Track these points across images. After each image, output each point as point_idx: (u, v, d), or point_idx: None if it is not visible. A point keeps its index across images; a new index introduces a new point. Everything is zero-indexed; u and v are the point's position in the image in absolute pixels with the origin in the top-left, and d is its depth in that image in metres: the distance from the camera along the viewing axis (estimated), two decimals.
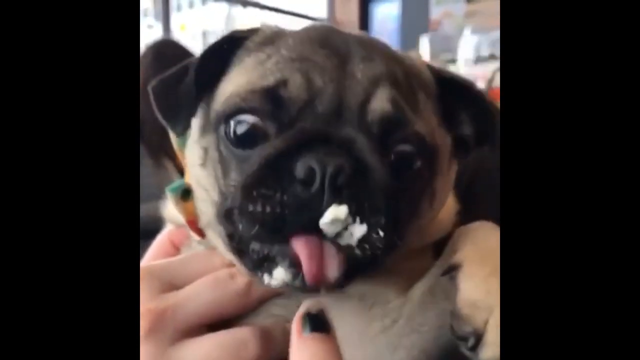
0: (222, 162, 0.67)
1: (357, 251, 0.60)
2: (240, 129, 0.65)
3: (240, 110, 0.65)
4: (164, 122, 0.71)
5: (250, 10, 6.61)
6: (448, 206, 0.81)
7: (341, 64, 0.66)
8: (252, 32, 0.74)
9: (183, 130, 0.72)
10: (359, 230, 0.59)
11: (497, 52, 4.88)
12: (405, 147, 0.65)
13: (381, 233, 0.60)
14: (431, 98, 0.72)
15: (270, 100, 0.64)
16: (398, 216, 0.63)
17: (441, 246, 0.75)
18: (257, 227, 0.60)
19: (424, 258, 0.77)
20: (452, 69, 5.16)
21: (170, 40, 3.32)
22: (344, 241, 0.60)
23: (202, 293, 0.68)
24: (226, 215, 0.64)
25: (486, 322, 0.59)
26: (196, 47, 3.26)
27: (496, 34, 4.88)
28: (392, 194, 0.62)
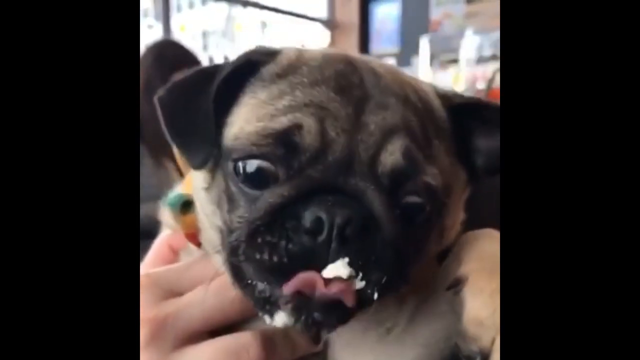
0: (229, 195, 0.67)
1: (349, 303, 0.60)
2: (250, 169, 0.64)
3: (251, 156, 0.64)
4: (179, 150, 0.69)
5: (250, 10, 6.61)
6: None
7: (355, 112, 0.65)
8: (271, 56, 0.72)
9: (201, 164, 0.68)
10: (357, 285, 0.60)
11: (499, 53, 4.90)
12: (415, 199, 0.65)
13: (375, 294, 0.60)
14: (445, 139, 0.71)
15: (282, 145, 0.63)
16: (405, 262, 0.63)
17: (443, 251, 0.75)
18: (261, 272, 0.61)
19: (426, 265, 0.76)
20: (454, 69, 5.16)
21: (171, 41, 3.32)
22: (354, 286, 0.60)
23: (203, 300, 0.68)
24: (232, 251, 0.64)
25: (493, 341, 0.58)
26: (196, 48, 3.27)
27: (498, 35, 4.90)
28: (400, 244, 0.62)
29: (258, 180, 0.64)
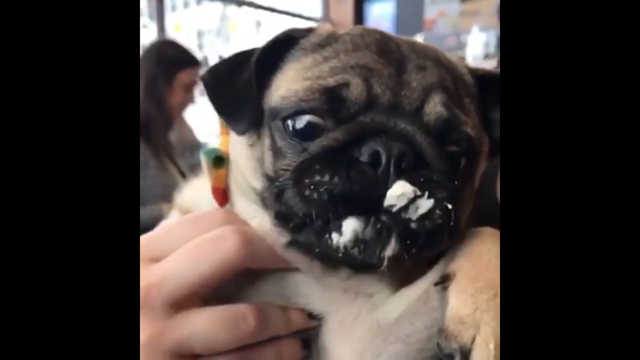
0: (276, 150, 0.69)
1: (414, 225, 0.61)
2: (300, 124, 0.68)
3: (299, 111, 0.68)
4: (224, 120, 0.74)
5: (245, 9, 6.60)
6: None
7: (397, 72, 0.69)
8: (309, 31, 0.77)
9: (244, 131, 0.73)
10: (425, 204, 0.61)
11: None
12: (454, 148, 0.69)
13: (449, 205, 0.62)
14: (474, 102, 0.75)
15: (330, 100, 0.67)
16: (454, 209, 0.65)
17: None
18: (315, 209, 0.61)
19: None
20: None
21: (170, 41, 3.33)
22: (406, 215, 0.61)
23: (183, 263, 0.66)
24: (277, 197, 0.66)
25: (473, 340, 0.59)
26: (191, 47, 3.28)
27: (496, 32, 4.96)
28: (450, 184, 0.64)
29: (308, 133, 0.67)
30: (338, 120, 0.67)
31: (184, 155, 3.35)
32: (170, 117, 3.03)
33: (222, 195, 0.79)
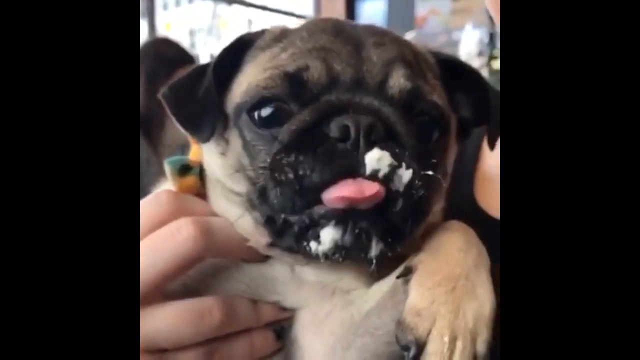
0: (248, 148, 0.68)
1: (401, 203, 0.61)
2: (265, 112, 0.67)
3: (263, 100, 0.67)
4: (187, 132, 0.73)
5: (236, 7, 6.58)
6: (435, 208, 0.80)
7: (355, 50, 0.69)
8: (262, 32, 0.76)
9: (208, 137, 0.72)
10: (406, 174, 0.61)
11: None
12: (424, 118, 0.69)
13: (429, 173, 0.62)
14: (438, 78, 0.75)
15: (291, 84, 0.66)
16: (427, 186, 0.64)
17: None
18: (294, 194, 0.61)
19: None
20: None
21: (167, 39, 3.34)
22: (394, 187, 0.60)
23: (141, 259, 0.63)
24: (260, 196, 0.65)
25: (429, 332, 0.59)
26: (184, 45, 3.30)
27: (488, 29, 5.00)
28: (420, 158, 0.64)
29: (275, 120, 0.67)
30: (303, 103, 0.66)
31: (174, 154, 3.34)
32: (165, 115, 3.03)
33: None
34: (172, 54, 2.98)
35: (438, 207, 0.78)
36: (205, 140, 0.72)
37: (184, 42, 3.52)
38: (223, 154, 0.72)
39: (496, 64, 4.84)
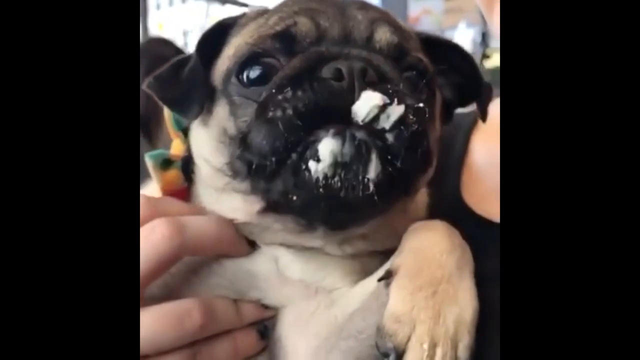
0: (234, 111, 0.67)
1: (391, 137, 0.59)
2: (254, 73, 0.67)
3: (252, 56, 0.67)
4: (175, 111, 0.74)
5: (229, 7, 6.56)
6: (419, 198, 0.81)
7: (341, 11, 0.70)
8: (241, 15, 0.77)
9: (197, 114, 0.72)
10: (396, 110, 0.59)
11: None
12: (412, 73, 0.69)
13: (421, 106, 0.61)
14: (421, 50, 0.75)
15: (281, 39, 0.67)
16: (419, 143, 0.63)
17: None
18: (290, 129, 0.59)
19: (378, 253, 0.76)
20: None
21: (163, 39, 3.33)
22: (379, 125, 0.59)
23: None
24: (244, 142, 0.63)
25: (408, 339, 0.58)
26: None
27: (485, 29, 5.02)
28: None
29: (264, 77, 0.66)
30: (292, 56, 0.66)
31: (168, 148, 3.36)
32: (162, 112, 3.02)
33: (175, 197, 0.77)
34: (168, 53, 2.97)
35: (423, 202, 0.79)
36: (194, 116, 0.72)
37: (177, 42, 3.51)
38: (206, 125, 0.72)
39: (489, 63, 4.86)
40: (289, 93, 0.60)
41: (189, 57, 0.73)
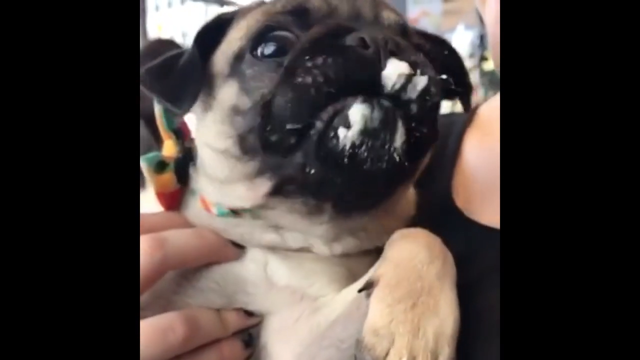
0: (246, 87, 0.67)
1: (414, 107, 0.60)
2: (269, 49, 0.67)
3: (266, 29, 0.67)
4: (168, 104, 0.72)
5: (227, 9, 6.55)
6: (408, 197, 0.81)
7: None
8: (239, 9, 0.77)
9: (190, 105, 0.71)
10: (421, 80, 0.60)
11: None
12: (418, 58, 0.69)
13: (442, 77, 0.63)
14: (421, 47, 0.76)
15: (294, 13, 0.67)
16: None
17: None
18: (317, 97, 0.59)
19: (367, 255, 0.76)
20: None
21: (167, 40, 3.31)
22: (405, 95, 0.60)
23: None
24: (264, 112, 0.63)
25: (387, 353, 0.57)
26: None
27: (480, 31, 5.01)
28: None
29: (280, 51, 0.67)
30: (308, 29, 0.66)
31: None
32: None
33: (168, 200, 0.77)
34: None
35: (411, 201, 0.79)
36: (186, 110, 0.72)
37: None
38: (211, 109, 0.72)
39: (487, 65, 4.86)
40: (319, 60, 0.60)
41: (184, 51, 0.73)
